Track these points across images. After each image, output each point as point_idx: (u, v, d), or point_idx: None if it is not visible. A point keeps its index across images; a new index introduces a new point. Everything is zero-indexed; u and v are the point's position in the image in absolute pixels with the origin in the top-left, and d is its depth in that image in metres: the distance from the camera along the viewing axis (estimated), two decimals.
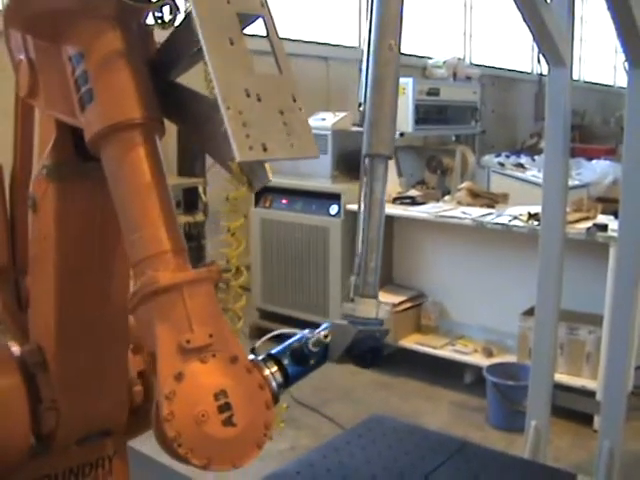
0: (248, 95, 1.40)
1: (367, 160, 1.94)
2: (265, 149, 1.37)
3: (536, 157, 7.83)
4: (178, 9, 1.60)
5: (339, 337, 1.79)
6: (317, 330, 1.77)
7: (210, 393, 1.34)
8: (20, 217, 2.04)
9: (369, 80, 1.94)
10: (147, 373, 1.99)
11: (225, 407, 1.34)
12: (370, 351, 1.82)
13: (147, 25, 1.65)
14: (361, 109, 1.99)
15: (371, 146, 1.93)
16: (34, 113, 1.91)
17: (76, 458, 1.95)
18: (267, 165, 1.48)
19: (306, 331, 1.77)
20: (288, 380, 1.68)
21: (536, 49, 11.43)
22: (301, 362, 1.72)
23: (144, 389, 1.99)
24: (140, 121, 1.50)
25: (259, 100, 1.41)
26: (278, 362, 1.67)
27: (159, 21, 1.62)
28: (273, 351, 1.70)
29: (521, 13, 2.71)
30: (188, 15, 1.52)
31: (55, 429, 1.80)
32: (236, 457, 1.36)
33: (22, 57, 1.65)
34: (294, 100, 1.47)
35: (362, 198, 1.93)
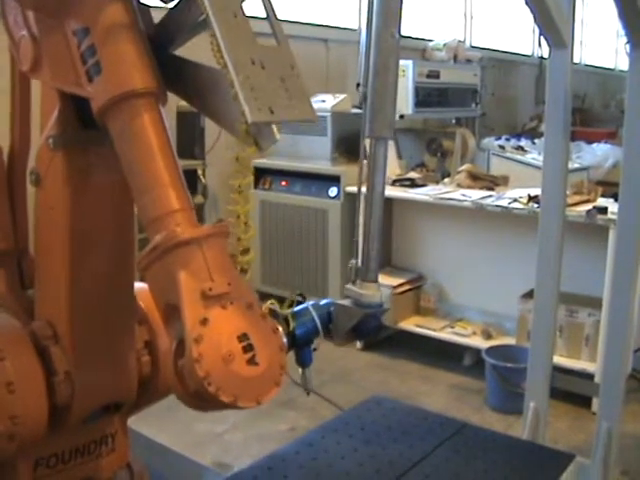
0: (253, 63, 1.52)
1: (370, 142, 2.05)
2: (272, 112, 1.50)
3: (536, 140, 7.80)
4: None
5: (345, 318, 1.98)
6: (320, 303, 1.97)
7: (234, 335, 1.43)
8: (19, 197, 2.08)
9: (371, 66, 2.06)
10: (153, 343, 2.05)
11: (248, 348, 1.44)
12: (373, 329, 2.02)
13: (144, 4, 1.71)
14: (360, 90, 2.07)
15: (374, 129, 2.04)
16: (30, 91, 1.97)
17: (82, 436, 1.98)
18: (274, 126, 1.59)
19: (310, 304, 1.96)
20: (295, 341, 1.89)
21: (537, 32, 11.39)
22: (307, 327, 1.93)
23: (151, 359, 2.04)
24: (147, 90, 1.59)
25: (263, 68, 1.53)
26: (286, 323, 1.88)
27: None
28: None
29: None
30: None
31: (71, 401, 1.84)
32: (259, 394, 1.44)
33: (24, 33, 1.70)
34: (292, 68, 1.60)
35: (364, 183, 2.05)
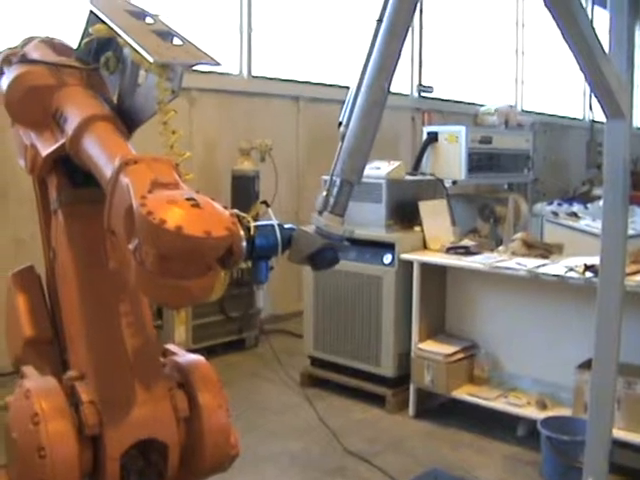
0: (158, 46, 2.00)
1: (337, 182, 2.20)
2: (174, 58, 1.99)
3: (589, 205, 7.75)
4: (119, 61, 2.35)
5: (305, 244, 2.10)
6: (285, 225, 2.08)
7: (178, 195, 1.66)
8: (58, 304, 2.30)
9: (356, 112, 2.22)
10: (186, 380, 2.16)
11: (192, 200, 1.63)
12: (329, 260, 2.16)
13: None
14: (340, 130, 2.26)
15: (344, 172, 2.19)
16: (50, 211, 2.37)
17: None
18: (180, 68, 2.04)
19: (275, 222, 2.07)
20: (253, 250, 1.97)
21: (588, 96, 11.41)
22: (268, 240, 2.01)
23: (187, 396, 2.12)
24: (103, 114, 2.15)
25: (168, 49, 2.02)
26: (248, 231, 1.96)
27: (106, 67, 2.39)
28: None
29: (579, 64, 2.71)
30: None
31: (101, 430, 1.93)
32: (207, 228, 1.58)
33: (27, 143, 2.29)
34: (199, 50, 2.04)
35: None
